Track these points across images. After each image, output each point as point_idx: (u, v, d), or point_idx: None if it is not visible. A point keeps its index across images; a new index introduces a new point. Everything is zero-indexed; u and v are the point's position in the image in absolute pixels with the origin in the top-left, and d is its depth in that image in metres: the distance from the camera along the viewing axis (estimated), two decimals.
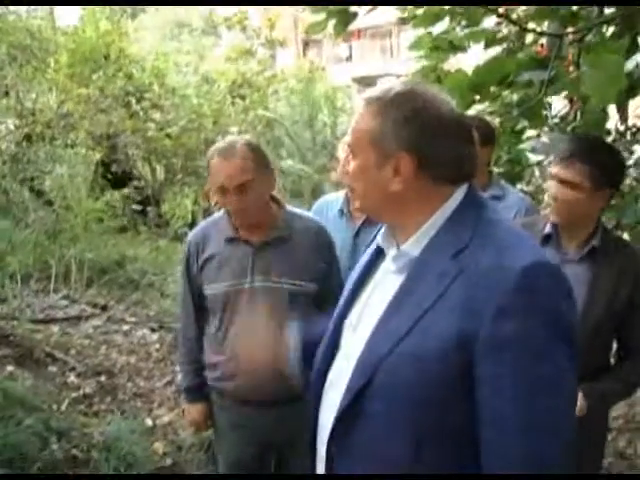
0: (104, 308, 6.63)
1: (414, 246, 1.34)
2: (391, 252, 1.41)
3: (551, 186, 2.24)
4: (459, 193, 1.34)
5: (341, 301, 1.54)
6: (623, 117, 4.32)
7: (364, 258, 1.54)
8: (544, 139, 3.99)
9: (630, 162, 3.80)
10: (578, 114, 4.14)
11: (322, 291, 2.45)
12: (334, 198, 2.96)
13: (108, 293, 7.15)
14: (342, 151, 2.74)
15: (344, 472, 1.38)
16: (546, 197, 2.52)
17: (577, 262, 2.27)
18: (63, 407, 4.16)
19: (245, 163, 2.30)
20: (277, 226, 2.45)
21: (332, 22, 2.98)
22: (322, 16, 2.94)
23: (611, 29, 3.34)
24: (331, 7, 2.92)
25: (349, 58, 31.63)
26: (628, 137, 4.12)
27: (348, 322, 1.47)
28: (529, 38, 3.81)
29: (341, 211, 2.81)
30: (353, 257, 2.66)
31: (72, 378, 4.72)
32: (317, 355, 1.54)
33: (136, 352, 5.44)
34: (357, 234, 2.71)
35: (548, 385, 1.16)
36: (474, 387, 1.20)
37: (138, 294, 7.08)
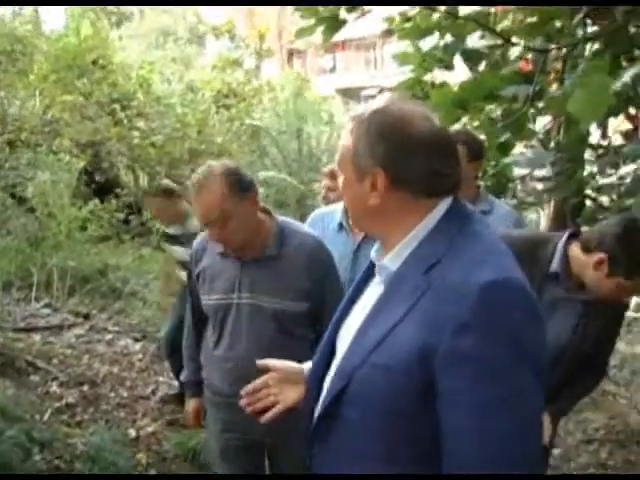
0: (86, 317, 6.58)
1: (394, 260, 1.36)
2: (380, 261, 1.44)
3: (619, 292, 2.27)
4: (442, 205, 1.35)
5: (338, 310, 1.57)
6: (604, 133, 4.39)
7: (364, 270, 1.56)
8: (528, 153, 4.03)
9: (614, 178, 3.85)
10: (562, 129, 4.20)
11: (315, 310, 2.42)
12: (331, 211, 2.95)
13: (90, 302, 7.10)
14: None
15: (322, 470, 1.44)
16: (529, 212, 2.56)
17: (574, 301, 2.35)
18: (45, 417, 4.11)
19: (220, 196, 2.26)
20: (268, 242, 2.41)
21: (320, 28, 3.00)
22: (311, 21, 2.96)
23: (595, 46, 3.39)
24: (321, 9, 2.93)
25: (333, 69, 31.72)
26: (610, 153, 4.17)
27: (341, 331, 1.51)
28: (512, 54, 3.85)
29: (340, 225, 2.81)
30: (353, 270, 2.67)
31: (54, 388, 4.68)
32: (313, 362, 1.59)
33: (119, 362, 5.40)
34: (358, 248, 2.71)
35: (504, 403, 1.15)
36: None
37: (121, 303, 7.04)
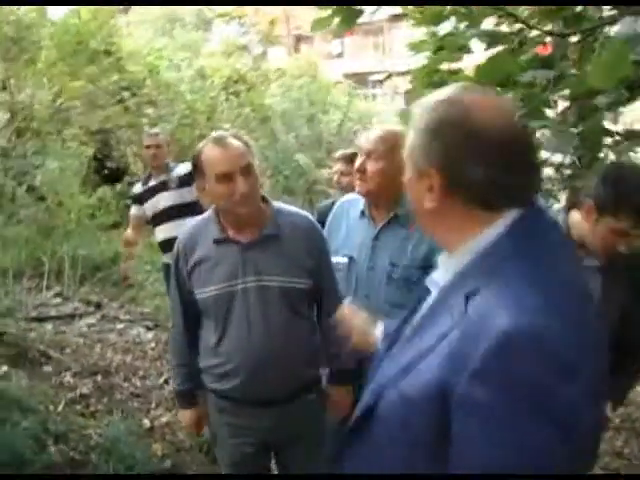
0: (98, 306, 6.59)
1: (443, 274, 1.28)
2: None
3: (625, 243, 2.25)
4: (506, 219, 1.19)
5: (401, 319, 1.49)
6: (614, 120, 4.32)
7: None
8: (554, 137, 3.97)
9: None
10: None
11: (315, 287, 2.45)
12: (356, 199, 2.91)
13: (101, 290, 7.11)
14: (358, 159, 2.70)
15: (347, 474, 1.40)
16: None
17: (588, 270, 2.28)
18: (60, 408, 4.10)
19: (241, 149, 2.31)
20: (265, 224, 2.40)
21: (337, 19, 2.95)
22: (327, 12, 2.91)
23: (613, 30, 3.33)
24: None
25: (341, 54, 31.60)
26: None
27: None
28: (530, 39, 3.79)
29: (362, 212, 2.77)
30: (372, 259, 2.64)
31: (68, 378, 4.67)
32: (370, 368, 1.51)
33: (131, 351, 5.39)
34: (377, 237, 2.67)
35: (511, 461, 1.03)
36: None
37: (132, 291, 7.02)
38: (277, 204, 2.53)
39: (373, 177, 2.58)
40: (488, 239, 1.19)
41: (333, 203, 4.74)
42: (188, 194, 4.78)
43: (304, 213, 2.60)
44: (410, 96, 2.89)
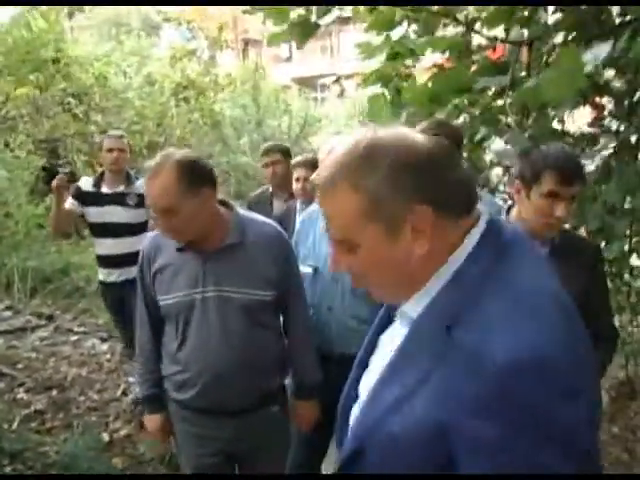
0: (50, 318, 6.46)
1: (414, 304, 1.17)
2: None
3: (560, 207, 2.28)
4: (479, 226, 1.16)
5: (364, 345, 1.41)
6: (562, 120, 4.40)
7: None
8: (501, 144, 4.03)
9: (591, 167, 3.86)
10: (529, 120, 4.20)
11: (280, 297, 2.43)
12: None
13: (53, 302, 6.97)
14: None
15: None
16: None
17: None
18: (14, 426, 4.01)
19: (167, 188, 2.17)
20: (228, 233, 2.36)
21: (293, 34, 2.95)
22: (283, 27, 2.90)
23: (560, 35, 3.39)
24: (291, 16, 2.88)
25: (289, 58, 31.61)
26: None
27: (364, 376, 1.36)
28: (475, 42, 3.83)
29: None
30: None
31: (22, 394, 4.57)
32: (341, 399, 1.42)
33: (87, 363, 5.29)
34: None
35: None
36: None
37: (85, 302, 6.90)
38: (241, 212, 2.49)
39: None
40: (458, 260, 1.13)
41: (263, 192, 4.74)
42: (143, 214, 4.51)
43: (269, 222, 2.57)
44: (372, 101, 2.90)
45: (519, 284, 1.09)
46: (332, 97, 23.59)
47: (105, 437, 4.08)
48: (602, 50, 2.70)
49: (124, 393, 4.76)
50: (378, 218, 1.10)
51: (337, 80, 27.33)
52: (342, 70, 26.24)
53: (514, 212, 2.46)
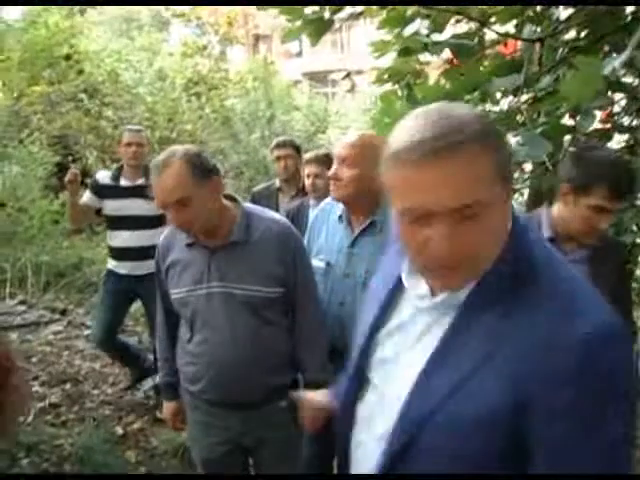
0: (63, 312, 6.51)
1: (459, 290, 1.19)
2: (417, 288, 1.27)
3: (605, 220, 2.31)
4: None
5: (363, 331, 1.40)
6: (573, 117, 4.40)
7: (380, 286, 1.41)
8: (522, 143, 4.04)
9: None
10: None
11: (288, 294, 2.42)
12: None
13: (66, 297, 7.01)
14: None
15: None
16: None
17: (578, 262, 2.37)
18: (30, 419, 4.06)
19: (180, 179, 2.21)
20: (234, 229, 2.37)
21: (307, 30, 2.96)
22: (297, 24, 2.91)
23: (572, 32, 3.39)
24: (306, 11, 2.89)
25: (299, 53, 31.56)
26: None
27: (379, 356, 1.35)
28: (489, 37, 3.83)
29: (340, 217, 2.73)
30: (348, 266, 2.63)
31: (36, 387, 4.62)
32: (339, 387, 1.44)
33: (100, 357, 5.31)
34: (353, 243, 2.66)
35: (605, 453, 1.08)
36: (523, 458, 1.11)
37: (97, 297, 6.93)
38: (249, 208, 2.50)
39: (348, 184, 2.56)
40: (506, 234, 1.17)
41: (268, 187, 4.73)
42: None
43: (278, 217, 2.57)
44: (382, 99, 2.89)
45: (570, 273, 1.18)
46: (343, 92, 23.57)
47: (119, 430, 4.12)
48: (621, 56, 2.72)
49: (137, 387, 4.79)
50: (505, 178, 1.14)
51: (347, 75, 27.28)
52: (353, 65, 26.20)
53: (555, 209, 2.46)
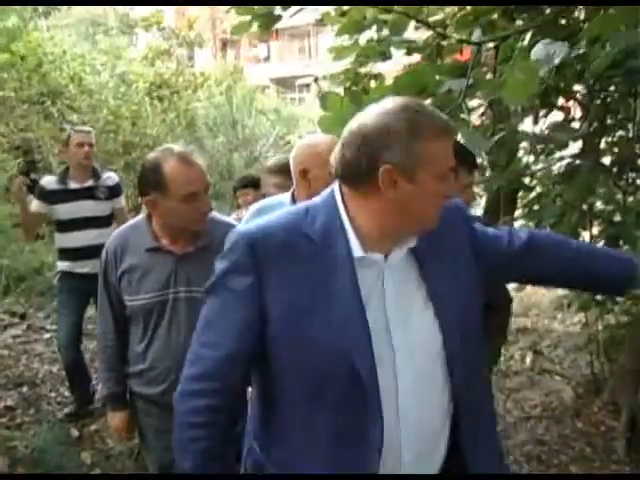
0: (23, 316, 6.46)
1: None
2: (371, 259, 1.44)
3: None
4: None
5: (349, 310, 1.41)
6: (535, 120, 4.50)
7: (339, 269, 1.43)
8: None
9: (543, 165, 3.95)
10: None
11: None
12: (277, 202, 2.88)
13: (27, 301, 6.95)
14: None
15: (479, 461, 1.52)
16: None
17: None
18: None
19: (203, 165, 2.36)
20: (200, 235, 2.42)
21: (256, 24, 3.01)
22: (246, 18, 2.96)
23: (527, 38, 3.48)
24: (256, 8, 2.94)
25: (267, 58, 31.58)
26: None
27: (381, 325, 1.43)
28: (448, 45, 3.91)
29: None
30: None
31: None
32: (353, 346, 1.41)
33: (58, 361, 5.26)
34: None
35: None
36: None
37: (57, 301, 6.89)
38: (212, 214, 2.53)
39: None
40: None
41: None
42: (110, 206, 4.57)
43: (233, 222, 2.61)
44: (326, 98, 2.93)
45: None
46: (311, 97, 23.62)
47: (74, 432, 4.11)
48: (559, 51, 2.79)
49: (94, 390, 4.77)
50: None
51: (315, 80, 27.36)
52: (320, 70, 26.29)
53: None
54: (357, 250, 1.42)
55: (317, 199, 1.52)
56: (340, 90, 3.74)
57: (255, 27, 3.05)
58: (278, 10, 2.98)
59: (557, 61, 2.76)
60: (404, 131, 1.35)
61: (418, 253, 1.49)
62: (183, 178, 2.28)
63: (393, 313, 1.43)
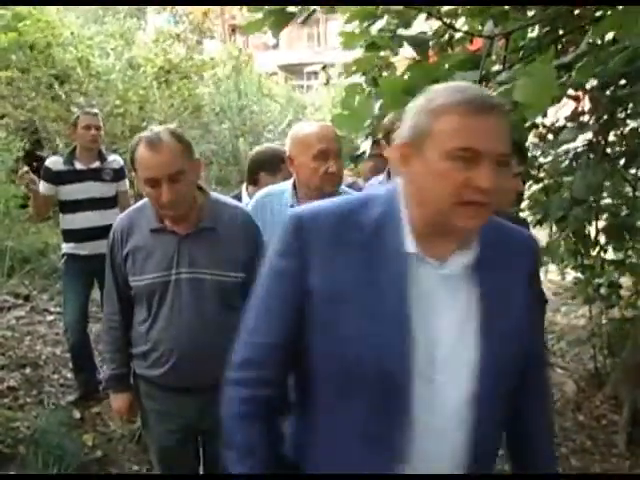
0: (27, 298, 6.47)
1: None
2: (427, 259, 1.36)
3: None
4: None
5: (392, 306, 1.34)
6: (544, 113, 4.47)
7: (388, 262, 1.36)
8: None
9: (550, 158, 3.94)
10: None
11: (248, 279, 2.39)
12: (279, 191, 2.90)
13: (31, 283, 6.96)
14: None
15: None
16: None
17: None
18: None
19: (174, 153, 2.28)
20: (203, 216, 2.43)
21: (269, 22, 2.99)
22: (259, 15, 2.94)
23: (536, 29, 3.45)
24: (269, 7, 2.93)
25: (276, 46, 31.44)
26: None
27: (426, 334, 1.35)
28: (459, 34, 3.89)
29: (292, 207, 2.75)
30: None
31: None
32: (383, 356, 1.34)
33: (61, 343, 5.30)
34: None
35: None
36: None
37: (62, 283, 6.89)
38: (215, 195, 2.55)
39: (340, 175, 2.75)
40: None
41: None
42: (115, 189, 4.63)
43: (241, 205, 2.66)
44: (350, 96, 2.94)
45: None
46: (319, 85, 23.55)
47: (76, 414, 4.13)
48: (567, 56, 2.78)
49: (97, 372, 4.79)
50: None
51: (324, 68, 27.25)
52: (329, 58, 26.18)
53: None
54: (409, 245, 1.35)
55: (383, 189, 1.46)
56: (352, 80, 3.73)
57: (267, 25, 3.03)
58: (291, 8, 2.96)
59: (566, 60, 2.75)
60: (419, 106, 1.32)
61: (480, 271, 1.39)
62: (145, 163, 2.29)
63: (439, 324, 1.35)
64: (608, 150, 3.99)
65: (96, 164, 4.58)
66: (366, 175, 3.98)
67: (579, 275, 5.32)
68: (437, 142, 1.27)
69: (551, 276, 7.08)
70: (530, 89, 2.25)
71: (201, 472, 2.74)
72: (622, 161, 3.92)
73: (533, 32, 3.51)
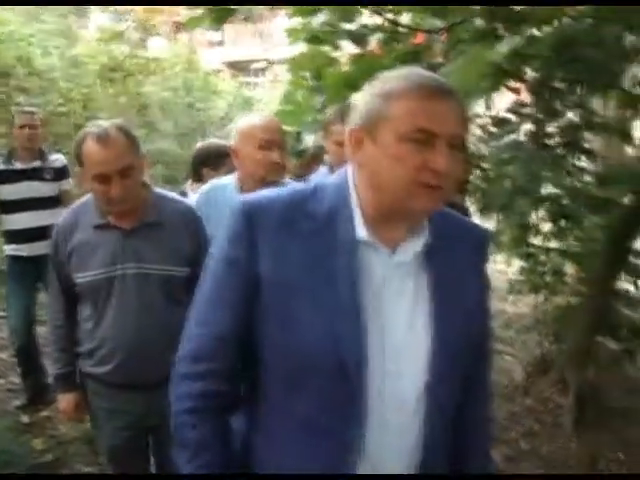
0: None
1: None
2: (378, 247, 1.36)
3: None
4: None
5: (342, 294, 1.32)
6: (487, 105, 4.56)
7: (339, 250, 1.34)
8: None
9: (493, 148, 4.00)
10: None
11: (193, 273, 2.39)
12: (222, 185, 2.90)
13: None
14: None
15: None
16: None
17: None
18: None
19: (123, 148, 2.28)
20: (147, 211, 2.43)
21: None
22: (200, 11, 2.95)
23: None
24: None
25: (221, 42, 31.21)
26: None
27: (376, 322, 1.33)
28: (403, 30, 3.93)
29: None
30: None
31: None
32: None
33: (7, 347, 5.21)
34: None
35: None
36: None
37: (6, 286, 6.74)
38: (158, 191, 2.55)
39: (285, 166, 2.80)
40: None
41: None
42: (57, 188, 4.57)
43: (182, 199, 2.67)
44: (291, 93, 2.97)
45: None
46: (266, 82, 23.46)
47: (25, 419, 4.06)
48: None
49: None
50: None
51: (270, 65, 27.15)
52: (275, 55, 26.10)
53: None
54: (361, 231, 1.33)
55: (332, 178, 1.45)
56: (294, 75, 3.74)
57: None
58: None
59: (505, 47, 2.80)
60: (373, 91, 1.33)
61: (432, 259, 1.39)
62: (94, 158, 2.27)
63: (391, 312, 1.34)
64: (548, 141, 4.08)
65: (36, 163, 4.52)
66: (296, 171, 3.98)
67: (524, 264, 5.44)
68: (393, 125, 1.27)
69: (498, 266, 7.20)
70: (462, 68, 2.30)
71: (153, 471, 2.72)
72: (560, 151, 4.01)
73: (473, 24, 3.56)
